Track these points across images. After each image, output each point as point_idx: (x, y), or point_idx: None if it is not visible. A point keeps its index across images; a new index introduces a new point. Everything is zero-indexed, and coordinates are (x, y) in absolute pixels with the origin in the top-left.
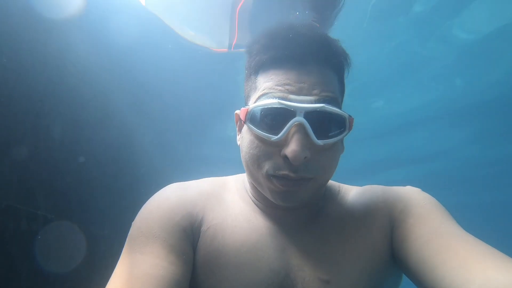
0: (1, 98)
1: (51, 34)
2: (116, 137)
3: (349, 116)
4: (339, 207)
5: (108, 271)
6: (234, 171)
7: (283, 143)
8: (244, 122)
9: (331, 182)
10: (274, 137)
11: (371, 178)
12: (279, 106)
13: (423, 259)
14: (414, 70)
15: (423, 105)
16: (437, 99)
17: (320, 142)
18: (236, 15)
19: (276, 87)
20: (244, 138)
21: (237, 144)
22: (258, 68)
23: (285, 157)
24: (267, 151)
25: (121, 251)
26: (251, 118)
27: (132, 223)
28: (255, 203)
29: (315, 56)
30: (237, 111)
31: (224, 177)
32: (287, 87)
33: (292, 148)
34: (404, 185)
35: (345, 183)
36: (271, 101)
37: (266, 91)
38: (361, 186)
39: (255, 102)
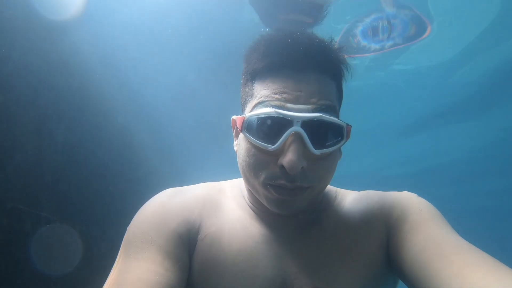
0: (6, 102)
1: (56, 39)
2: (117, 140)
3: (347, 124)
4: (336, 213)
5: (107, 272)
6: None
7: (280, 152)
8: (241, 130)
9: (328, 187)
10: (271, 147)
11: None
12: (276, 116)
13: (419, 267)
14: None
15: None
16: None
17: (317, 151)
18: None
19: (273, 95)
20: (241, 146)
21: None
22: (255, 75)
23: (282, 167)
24: (263, 160)
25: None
26: (248, 127)
27: (127, 228)
28: (252, 209)
29: (313, 64)
30: (234, 117)
31: (219, 182)
32: (284, 95)
33: (289, 158)
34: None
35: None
36: (268, 110)
37: (263, 99)
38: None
39: (251, 110)
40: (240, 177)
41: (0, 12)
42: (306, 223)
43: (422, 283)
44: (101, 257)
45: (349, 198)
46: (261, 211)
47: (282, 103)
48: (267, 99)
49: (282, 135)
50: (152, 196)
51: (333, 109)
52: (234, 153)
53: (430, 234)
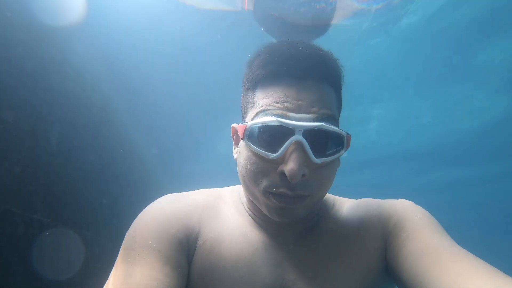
0: (1, 103)
1: (51, 40)
2: (112, 142)
3: (347, 133)
4: (334, 221)
5: (101, 275)
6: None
7: (281, 160)
8: (242, 139)
9: (326, 195)
10: (272, 155)
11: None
12: (278, 124)
13: (416, 275)
14: None
15: None
16: None
17: (318, 160)
18: None
19: (274, 104)
20: (241, 154)
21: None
22: (256, 83)
23: (283, 175)
24: (264, 168)
25: (114, 256)
26: (249, 135)
27: (126, 233)
28: (251, 216)
29: (314, 73)
30: (234, 125)
31: (218, 188)
32: (285, 104)
33: (290, 166)
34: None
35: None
36: (269, 119)
37: (265, 107)
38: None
39: (253, 119)
40: (239, 183)
41: None
42: (305, 230)
43: None
44: (95, 260)
45: (347, 206)
46: (260, 218)
47: (284, 112)
48: (269, 107)
49: (284, 144)
50: (148, 199)
51: (334, 118)
52: (227, 153)
53: (427, 241)
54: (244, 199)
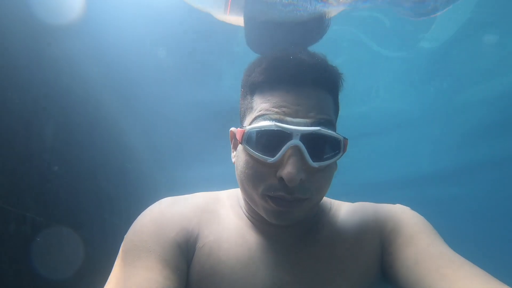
0: None
1: (46, 36)
2: (107, 140)
3: (344, 138)
4: (331, 224)
5: (94, 276)
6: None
7: (279, 164)
8: (241, 143)
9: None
10: (270, 159)
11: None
12: (275, 129)
13: (412, 281)
14: None
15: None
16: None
17: (315, 164)
18: None
19: (272, 108)
20: (240, 157)
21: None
22: (254, 88)
23: (281, 179)
24: (262, 172)
25: (108, 256)
26: (247, 140)
27: (125, 236)
28: (249, 219)
29: (312, 78)
30: (233, 129)
31: (216, 191)
32: (283, 109)
33: (288, 170)
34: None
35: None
36: (268, 123)
37: (263, 112)
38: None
39: (251, 123)
40: (237, 187)
41: None
42: (302, 233)
43: None
44: (88, 260)
45: (344, 210)
46: (258, 221)
47: (282, 117)
48: (267, 112)
49: (282, 148)
50: (144, 199)
51: (331, 123)
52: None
53: (423, 247)
54: (242, 202)
